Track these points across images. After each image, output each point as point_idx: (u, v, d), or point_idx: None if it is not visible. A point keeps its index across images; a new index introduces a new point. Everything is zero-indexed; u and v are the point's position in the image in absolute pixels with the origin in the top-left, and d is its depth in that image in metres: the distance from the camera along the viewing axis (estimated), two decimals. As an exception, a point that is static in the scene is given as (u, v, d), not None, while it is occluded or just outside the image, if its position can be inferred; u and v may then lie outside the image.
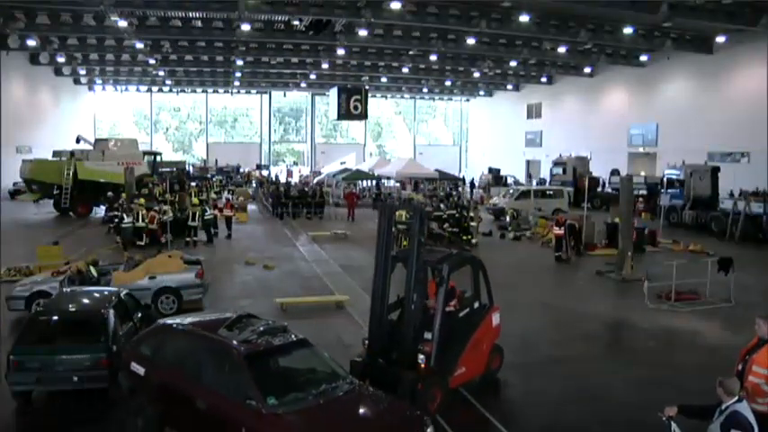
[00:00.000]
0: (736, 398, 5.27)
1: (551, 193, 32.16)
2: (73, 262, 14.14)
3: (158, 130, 62.58)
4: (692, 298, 14.41)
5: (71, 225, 26.23)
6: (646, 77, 39.75)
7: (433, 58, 38.00)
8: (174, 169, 41.97)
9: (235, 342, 7.01)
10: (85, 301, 9.87)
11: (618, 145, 42.10)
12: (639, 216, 27.49)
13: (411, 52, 38.36)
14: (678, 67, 36.84)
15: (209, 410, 6.71)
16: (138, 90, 57.54)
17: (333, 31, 31.19)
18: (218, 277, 16.01)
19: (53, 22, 29.63)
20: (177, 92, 58.45)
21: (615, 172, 37.32)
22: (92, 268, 12.74)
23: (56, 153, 31.72)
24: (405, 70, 42.94)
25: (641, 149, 41.19)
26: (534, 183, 44.46)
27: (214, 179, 45.08)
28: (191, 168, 50.51)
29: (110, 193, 26.12)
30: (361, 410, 6.83)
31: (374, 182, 40.62)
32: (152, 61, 40.11)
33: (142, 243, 20.18)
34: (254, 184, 44.33)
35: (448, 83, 50.84)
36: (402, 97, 65.23)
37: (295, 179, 45.86)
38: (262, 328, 7.45)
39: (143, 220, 20.61)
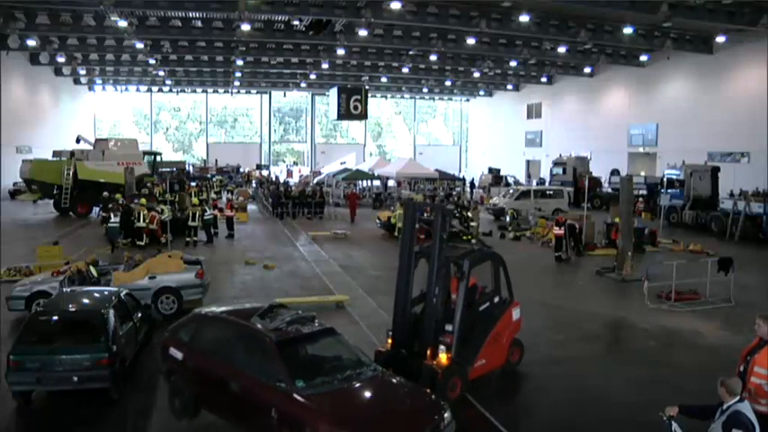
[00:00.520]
0: (738, 398, 5.27)
1: (551, 193, 32.11)
2: (73, 262, 14.15)
3: (158, 130, 62.58)
4: (692, 298, 14.40)
5: (71, 225, 26.23)
6: (646, 77, 39.74)
7: (433, 58, 37.96)
8: (174, 169, 42.01)
9: (267, 330, 7.48)
10: (85, 301, 9.88)
11: (618, 145, 42.12)
12: (639, 216, 27.50)
13: (411, 52, 38.35)
14: (678, 67, 36.83)
15: (241, 392, 7.20)
16: (138, 90, 57.55)
17: (333, 31, 31.22)
18: (218, 277, 16.00)
19: (53, 22, 29.63)
20: (177, 92, 58.43)
21: (615, 172, 37.33)
22: (92, 268, 12.73)
23: (56, 153, 31.67)
24: (405, 70, 42.88)
25: (641, 149, 41.18)
26: (534, 183, 44.44)
27: (214, 179, 45.11)
28: (191, 168, 50.49)
29: (105, 193, 26.14)
30: (384, 395, 7.22)
31: (375, 182, 40.57)
32: (152, 61, 40.08)
33: (142, 243, 20.25)
34: (254, 185, 44.32)
35: (448, 83, 50.76)
36: (402, 97, 65.23)
37: (295, 179, 45.86)
38: (291, 318, 7.88)
39: (144, 220, 20.65)
